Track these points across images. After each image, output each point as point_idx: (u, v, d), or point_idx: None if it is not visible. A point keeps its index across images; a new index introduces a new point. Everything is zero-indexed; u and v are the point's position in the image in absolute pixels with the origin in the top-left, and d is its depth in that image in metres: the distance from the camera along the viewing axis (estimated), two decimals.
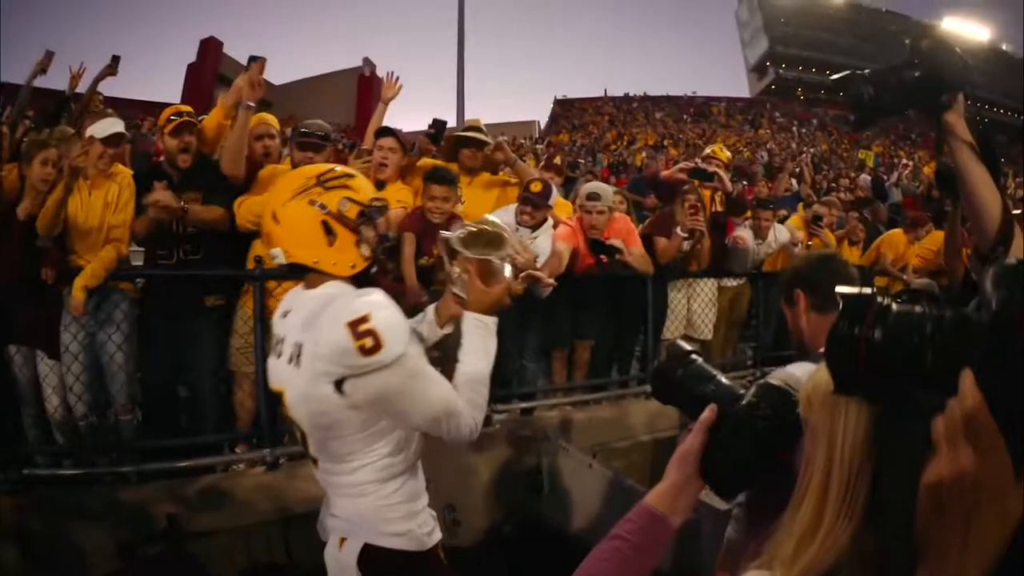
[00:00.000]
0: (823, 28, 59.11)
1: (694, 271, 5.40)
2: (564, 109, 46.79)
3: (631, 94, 49.52)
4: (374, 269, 1.85)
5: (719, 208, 5.49)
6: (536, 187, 4.43)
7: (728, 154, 5.89)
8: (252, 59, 3.87)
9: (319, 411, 1.69)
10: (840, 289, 0.83)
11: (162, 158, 4.04)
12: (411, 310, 1.96)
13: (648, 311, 5.16)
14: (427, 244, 4.02)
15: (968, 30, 58.82)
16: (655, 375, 1.39)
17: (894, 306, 0.75)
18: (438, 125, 4.77)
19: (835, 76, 1.65)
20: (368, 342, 1.57)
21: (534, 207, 4.42)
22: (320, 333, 1.63)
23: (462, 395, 1.72)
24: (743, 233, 5.66)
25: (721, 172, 5.31)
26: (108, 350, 3.70)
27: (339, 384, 1.63)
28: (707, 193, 5.29)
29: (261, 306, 3.67)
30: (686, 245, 5.15)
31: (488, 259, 1.83)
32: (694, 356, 1.34)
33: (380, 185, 4.10)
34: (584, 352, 5.00)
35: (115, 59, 5.10)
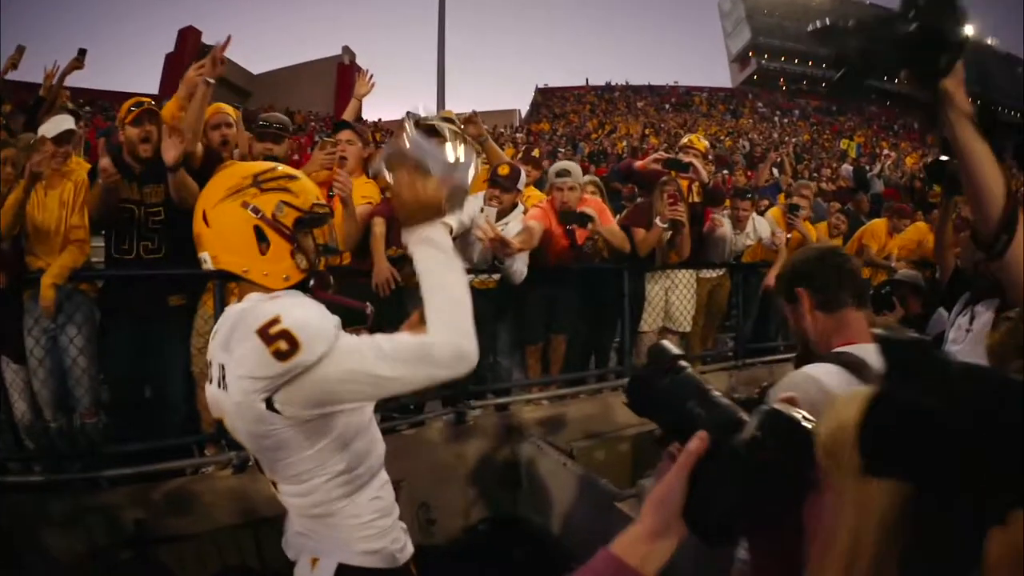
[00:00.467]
0: (807, 19, 59.30)
1: (673, 262, 5.34)
2: (545, 98, 46.85)
3: (613, 83, 49.60)
4: (311, 282, 1.69)
5: (696, 198, 5.43)
6: (504, 170, 4.40)
7: (705, 143, 5.83)
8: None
9: (259, 433, 1.52)
10: (882, 333, 0.72)
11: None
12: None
13: (625, 302, 5.09)
14: (397, 233, 3.93)
15: None
16: (633, 383, 1.11)
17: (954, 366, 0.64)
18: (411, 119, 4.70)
19: (814, 26, 1.45)
20: (282, 345, 1.40)
21: (503, 190, 4.39)
22: (235, 349, 1.47)
23: (431, 324, 1.40)
24: (720, 219, 5.61)
25: (696, 162, 5.25)
26: (70, 354, 3.62)
27: (269, 401, 1.45)
28: (684, 183, 5.23)
29: (221, 307, 3.56)
30: (666, 236, 5.10)
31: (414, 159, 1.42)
32: (683, 363, 1.07)
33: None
34: (560, 346, 4.93)
35: (81, 52, 5.07)
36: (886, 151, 23.55)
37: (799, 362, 1.80)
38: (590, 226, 4.54)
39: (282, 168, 1.69)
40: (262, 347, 1.40)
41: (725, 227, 5.59)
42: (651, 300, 5.35)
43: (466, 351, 1.39)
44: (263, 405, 1.45)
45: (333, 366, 1.42)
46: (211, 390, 1.61)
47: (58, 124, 3.64)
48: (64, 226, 3.59)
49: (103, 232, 3.86)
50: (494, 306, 4.46)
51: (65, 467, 3.59)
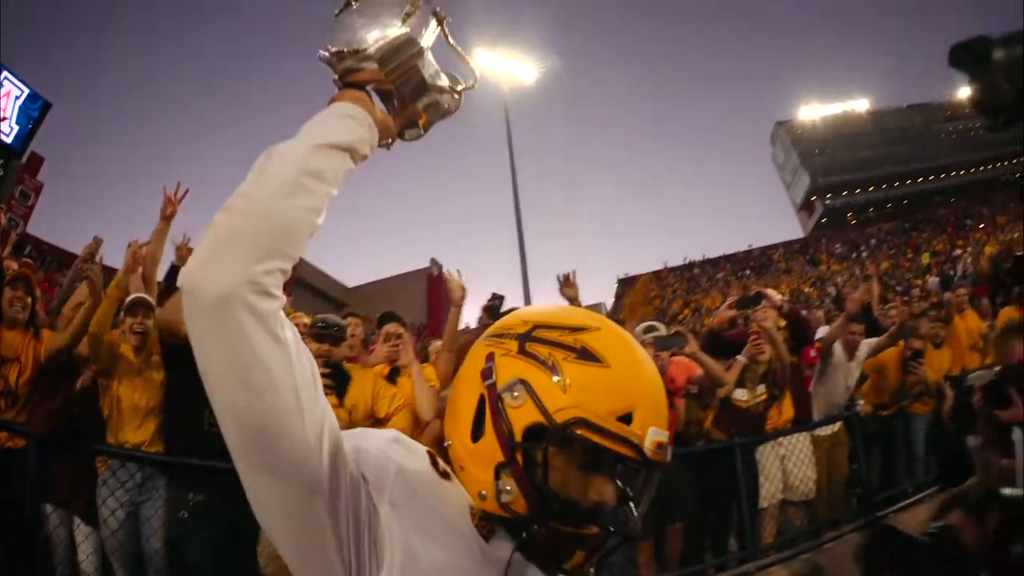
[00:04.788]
0: (856, 146, 60.41)
1: (783, 428, 4.98)
2: (627, 287, 47.71)
3: (690, 260, 50.48)
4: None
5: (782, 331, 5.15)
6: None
7: (777, 295, 5.66)
8: None
9: None
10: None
11: None
12: None
13: (739, 479, 4.68)
14: None
15: None
16: None
17: None
18: (496, 299, 4.77)
19: (957, 45, 1.17)
20: None
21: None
22: None
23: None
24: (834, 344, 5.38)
25: (767, 291, 5.16)
26: (145, 533, 3.67)
27: None
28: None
29: None
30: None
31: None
32: None
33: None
34: (675, 537, 4.50)
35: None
36: (959, 251, 23.07)
37: None
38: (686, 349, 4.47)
39: (594, 337, 1.00)
40: None
41: (835, 355, 5.31)
42: (766, 471, 4.92)
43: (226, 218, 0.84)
44: None
45: None
46: None
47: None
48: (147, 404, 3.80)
49: None
50: None
51: None
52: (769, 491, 4.89)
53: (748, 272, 43.60)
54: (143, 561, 3.64)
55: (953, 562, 2.09)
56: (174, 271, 4.93)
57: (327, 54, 1.04)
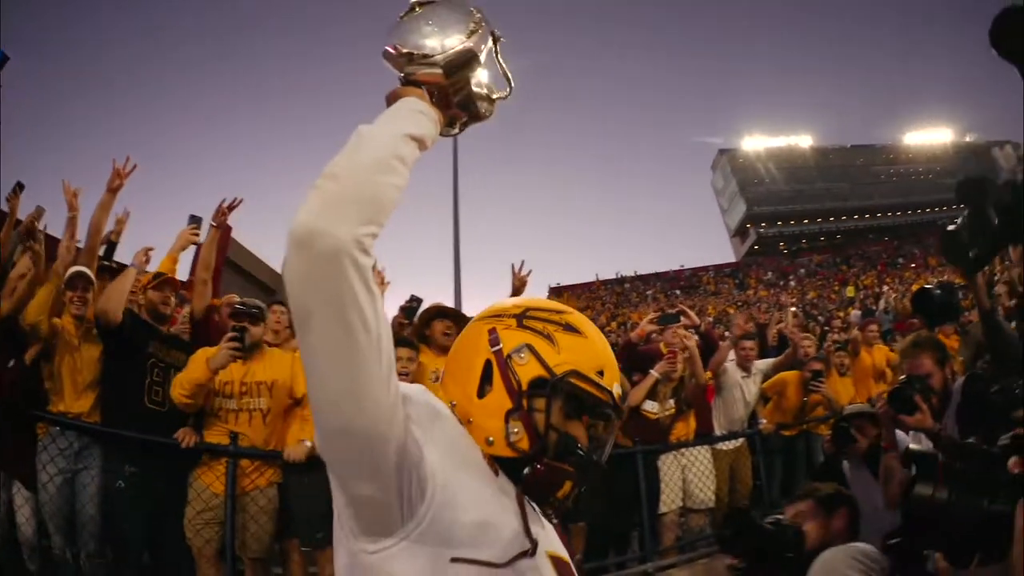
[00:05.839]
0: (795, 179, 62.01)
1: (684, 440, 5.28)
2: (558, 296, 47.91)
3: (622, 275, 50.97)
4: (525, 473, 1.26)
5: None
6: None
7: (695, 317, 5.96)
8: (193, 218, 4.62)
9: None
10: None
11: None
12: None
13: (640, 485, 4.96)
14: None
15: (931, 138, 62.43)
16: None
17: None
18: (414, 301, 4.86)
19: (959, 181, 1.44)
20: None
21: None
22: None
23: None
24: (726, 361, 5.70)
25: (686, 310, 5.54)
26: (81, 499, 3.76)
27: None
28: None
29: (232, 488, 3.86)
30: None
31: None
32: None
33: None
34: (579, 535, 4.75)
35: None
36: (887, 287, 24.09)
37: None
38: None
39: (572, 317, 1.31)
40: None
41: (729, 373, 5.65)
42: (667, 479, 5.23)
43: (310, 207, 0.96)
44: None
45: None
46: None
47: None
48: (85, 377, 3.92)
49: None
50: None
51: None
52: (670, 498, 5.19)
53: (678, 292, 44.35)
54: (77, 527, 3.73)
55: (792, 550, 2.31)
56: (111, 247, 5.09)
57: (395, 53, 1.19)
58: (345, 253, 0.94)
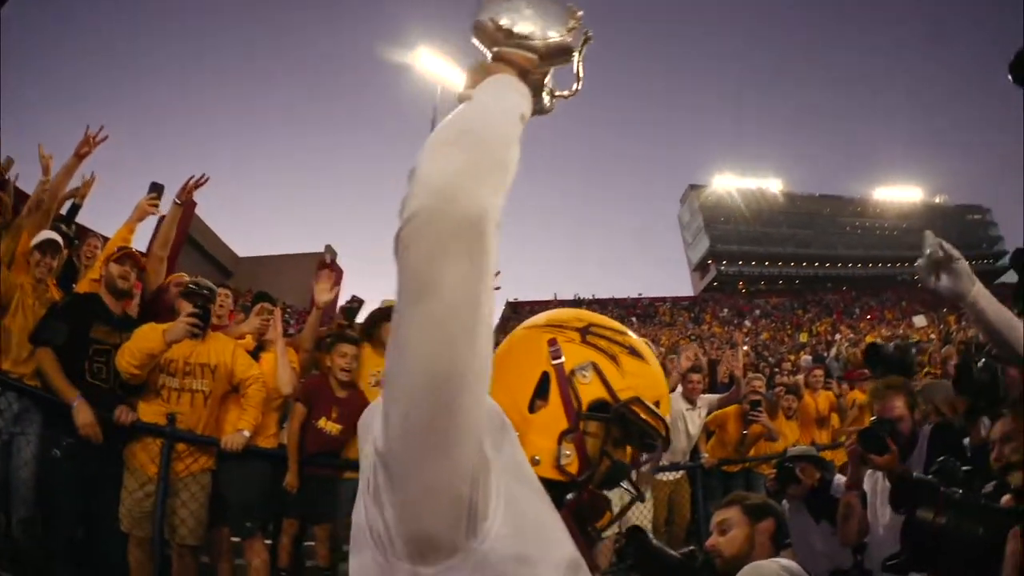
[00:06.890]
0: (761, 222, 63.04)
1: None
2: (515, 311, 47.82)
3: (580, 297, 51.17)
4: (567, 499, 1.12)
5: None
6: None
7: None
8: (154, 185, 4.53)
9: None
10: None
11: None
12: None
13: None
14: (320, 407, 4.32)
15: (901, 195, 64.05)
16: None
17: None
18: (355, 301, 4.85)
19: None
20: None
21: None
22: None
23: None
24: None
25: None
26: (16, 463, 3.70)
27: None
28: None
29: (167, 470, 3.83)
30: None
31: None
32: None
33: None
34: None
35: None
36: (839, 336, 24.49)
37: None
38: None
39: (634, 340, 1.23)
40: None
41: (672, 403, 5.64)
42: None
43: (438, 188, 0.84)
44: None
45: None
46: None
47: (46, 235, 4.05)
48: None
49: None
50: None
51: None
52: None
53: (633, 319, 44.67)
54: (11, 491, 3.67)
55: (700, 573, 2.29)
56: (74, 208, 5.21)
57: (492, 27, 1.08)
58: (491, 219, 0.84)
